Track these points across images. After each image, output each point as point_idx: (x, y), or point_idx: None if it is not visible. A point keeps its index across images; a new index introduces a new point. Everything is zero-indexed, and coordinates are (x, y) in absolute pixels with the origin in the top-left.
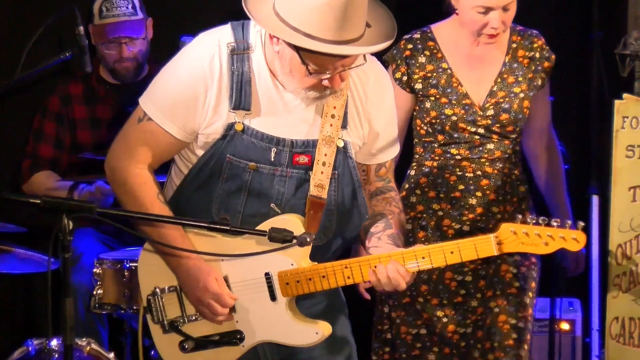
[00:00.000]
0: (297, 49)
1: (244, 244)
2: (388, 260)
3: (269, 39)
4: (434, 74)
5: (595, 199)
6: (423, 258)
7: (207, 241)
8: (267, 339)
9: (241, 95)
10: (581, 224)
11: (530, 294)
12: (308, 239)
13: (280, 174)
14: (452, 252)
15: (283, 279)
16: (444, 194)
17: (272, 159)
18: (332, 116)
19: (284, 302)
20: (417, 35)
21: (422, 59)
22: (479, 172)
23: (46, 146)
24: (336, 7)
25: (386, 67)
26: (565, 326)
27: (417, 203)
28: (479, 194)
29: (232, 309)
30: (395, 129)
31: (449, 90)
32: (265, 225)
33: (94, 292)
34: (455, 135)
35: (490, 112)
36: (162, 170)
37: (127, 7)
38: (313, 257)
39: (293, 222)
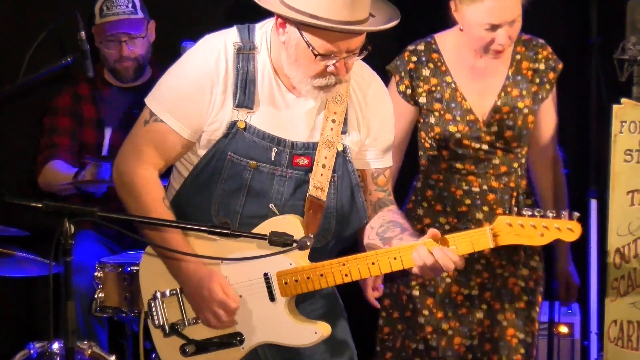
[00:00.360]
0: (302, 32)
1: (243, 246)
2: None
3: (275, 34)
4: (438, 88)
5: (593, 203)
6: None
7: (207, 243)
8: (266, 340)
9: (245, 93)
10: (576, 214)
11: (537, 308)
12: (308, 243)
13: (279, 174)
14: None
15: (282, 279)
16: (450, 207)
17: (273, 159)
18: (333, 121)
19: (283, 303)
20: (421, 47)
21: (426, 72)
22: (485, 187)
23: (63, 137)
24: None
25: (389, 77)
26: (564, 329)
27: (424, 216)
28: (485, 208)
29: None
30: (392, 137)
31: (453, 105)
32: (264, 226)
33: (95, 296)
34: (460, 152)
35: (494, 128)
36: (164, 175)
37: (126, 6)
38: (311, 258)
39: (292, 222)
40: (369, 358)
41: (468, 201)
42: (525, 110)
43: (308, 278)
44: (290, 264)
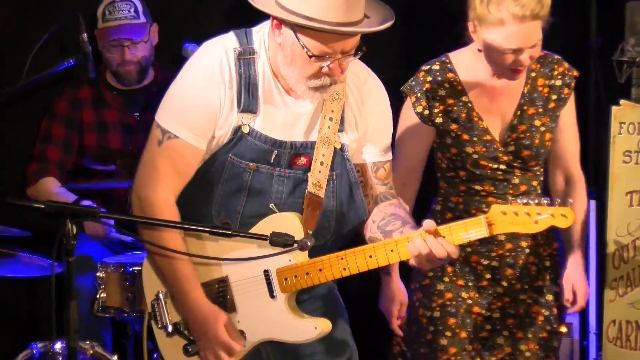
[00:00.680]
0: (297, 34)
1: (244, 245)
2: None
3: (271, 36)
4: (455, 108)
5: (592, 204)
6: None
7: (208, 242)
8: (267, 337)
9: (249, 98)
10: (570, 201)
11: (559, 336)
12: (309, 243)
13: (278, 174)
14: (444, 237)
15: (281, 275)
16: None
17: (272, 161)
18: (330, 119)
19: (283, 299)
20: (436, 67)
21: (442, 92)
22: None
23: (54, 149)
24: None
25: (404, 98)
26: (562, 329)
27: None
28: None
29: (234, 309)
30: (390, 131)
31: (469, 125)
32: (264, 224)
33: (98, 296)
34: (478, 172)
35: (512, 148)
36: None
37: (129, 11)
38: (311, 255)
39: (291, 220)
40: (370, 357)
41: None
42: (542, 129)
43: (307, 273)
44: (290, 260)
